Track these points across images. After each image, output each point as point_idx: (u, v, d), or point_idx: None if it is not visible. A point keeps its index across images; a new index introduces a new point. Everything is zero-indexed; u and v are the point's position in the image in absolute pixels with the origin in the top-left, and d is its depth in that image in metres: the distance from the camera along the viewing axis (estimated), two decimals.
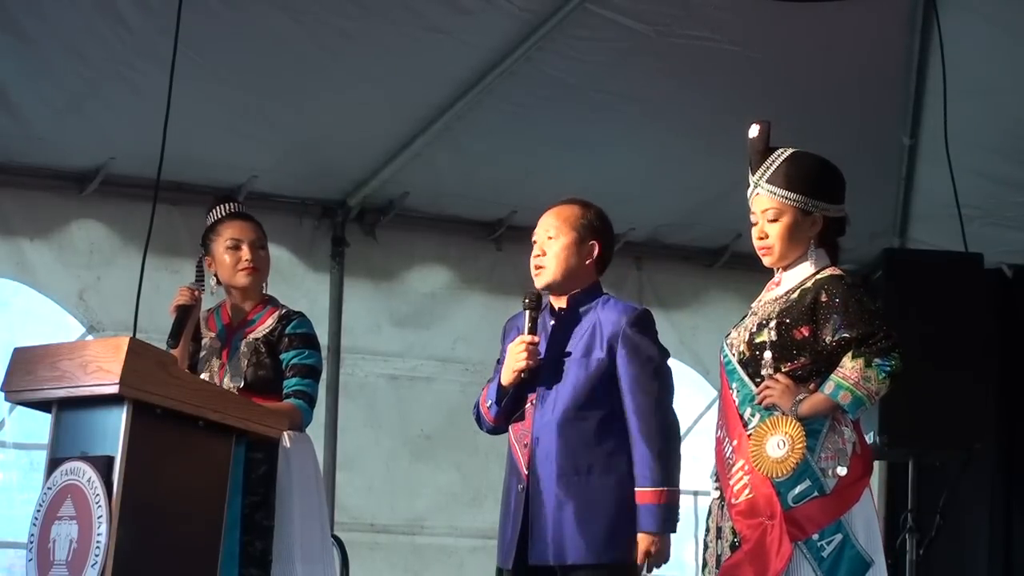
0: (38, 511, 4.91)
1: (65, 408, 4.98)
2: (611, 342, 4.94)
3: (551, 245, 5.01)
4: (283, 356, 5.54)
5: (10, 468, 7.59)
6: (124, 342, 4.81)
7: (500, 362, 5.12)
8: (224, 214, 5.69)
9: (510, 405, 5.03)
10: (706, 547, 4.72)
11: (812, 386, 4.57)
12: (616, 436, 4.95)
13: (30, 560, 4.89)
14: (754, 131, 4.68)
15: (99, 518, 4.71)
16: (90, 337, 7.12)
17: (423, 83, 7.16)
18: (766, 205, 4.65)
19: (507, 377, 4.99)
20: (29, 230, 7.16)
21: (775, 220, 4.65)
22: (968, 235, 7.42)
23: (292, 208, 7.70)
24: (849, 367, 4.52)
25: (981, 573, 8.22)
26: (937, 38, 7.28)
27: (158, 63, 6.23)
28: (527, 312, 4.99)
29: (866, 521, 4.55)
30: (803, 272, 4.67)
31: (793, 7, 6.95)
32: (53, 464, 4.94)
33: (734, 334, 4.71)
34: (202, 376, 5.49)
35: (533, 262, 5.05)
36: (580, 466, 4.92)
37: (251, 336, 5.55)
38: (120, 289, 6.98)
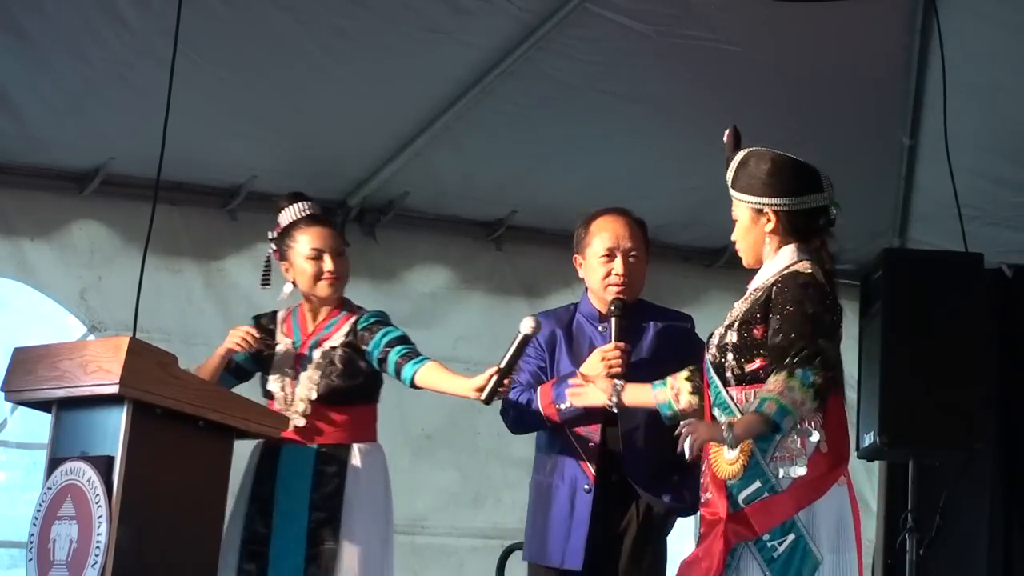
0: (38, 511, 4.91)
1: (65, 408, 4.99)
2: (676, 344, 5.26)
3: (636, 266, 5.31)
4: (371, 345, 5.53)
5: (12, 468, 7.60)
6: (124, 342, 4.82)
7: (534, 363, 5.35)
8: (300, 215, 5.65)
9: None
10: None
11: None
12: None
13: (30, 560, 4.90)
14: (724, 136, 4.74)
15: (99, 518, 4.71)
16: (92, 337, 7.11)
17: (423, 83, 7.16)
18: (733, 207, 4.72)
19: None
20: (29, 230, 7.16)
21: (736, 221, 4.72)
22: (968, 235, 7.40)
23: None
24: (772, 380, 4.50)
25: (981, 573, 8.21)
26: (937, 38, 7.27)
27: (158, 63, 6.22)
28: (613, 319, 5.21)
29: (836, 516, 4.53)
30: (770, 270, 4.69)
31: (793, 7, 6.94)
32: (53, 464, 4.95)
33: (713, 336, 4.76)
34: (272, 380, 5.49)
35: (620, 277, 5.26)
36: (649, 463, 5.18)
37: (326, 344, 5.53)
38: (121, 289, 6.97)
